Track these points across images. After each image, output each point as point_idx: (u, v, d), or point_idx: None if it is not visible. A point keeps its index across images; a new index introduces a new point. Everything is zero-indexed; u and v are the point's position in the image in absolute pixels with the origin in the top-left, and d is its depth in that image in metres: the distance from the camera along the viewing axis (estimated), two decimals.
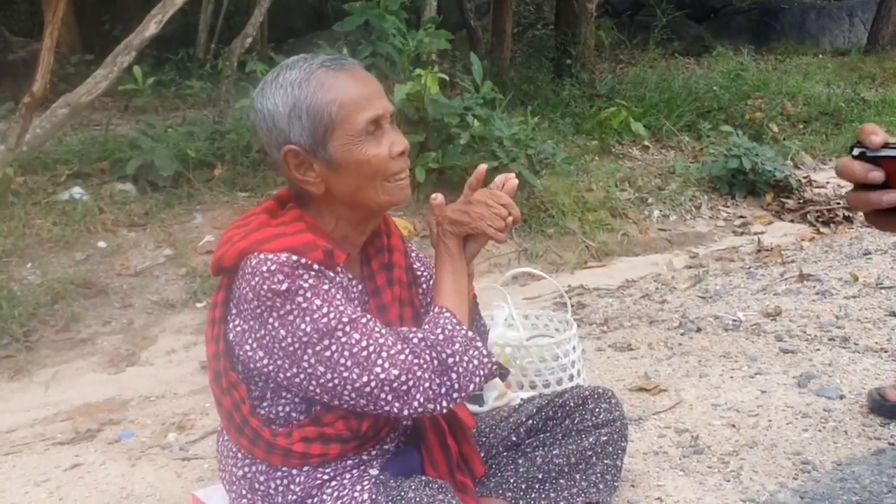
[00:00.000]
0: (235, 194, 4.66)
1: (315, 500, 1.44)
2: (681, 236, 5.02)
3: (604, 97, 7.33)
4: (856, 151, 0.93)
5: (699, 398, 2.21)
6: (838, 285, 3.27)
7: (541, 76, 7.88)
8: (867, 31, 11.32)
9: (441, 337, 1.44)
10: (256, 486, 1.47)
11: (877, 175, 0.91)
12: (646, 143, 6.48)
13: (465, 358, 1.44)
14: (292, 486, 1.45)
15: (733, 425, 2.03)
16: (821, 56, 10.18)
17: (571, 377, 2.11)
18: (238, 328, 1.45)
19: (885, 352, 2.45)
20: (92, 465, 2.16)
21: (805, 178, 5.89)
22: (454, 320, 1.47)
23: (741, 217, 5.36)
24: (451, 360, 1.43)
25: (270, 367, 1.42)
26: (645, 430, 1.91)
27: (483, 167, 1.56)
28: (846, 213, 5.18)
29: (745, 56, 8.68)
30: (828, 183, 5.93)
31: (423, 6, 5.87)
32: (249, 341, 1.43)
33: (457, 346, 1.44)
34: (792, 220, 5.26)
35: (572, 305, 3.53)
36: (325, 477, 1.46)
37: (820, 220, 5.16)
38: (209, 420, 2.51)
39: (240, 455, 1.50)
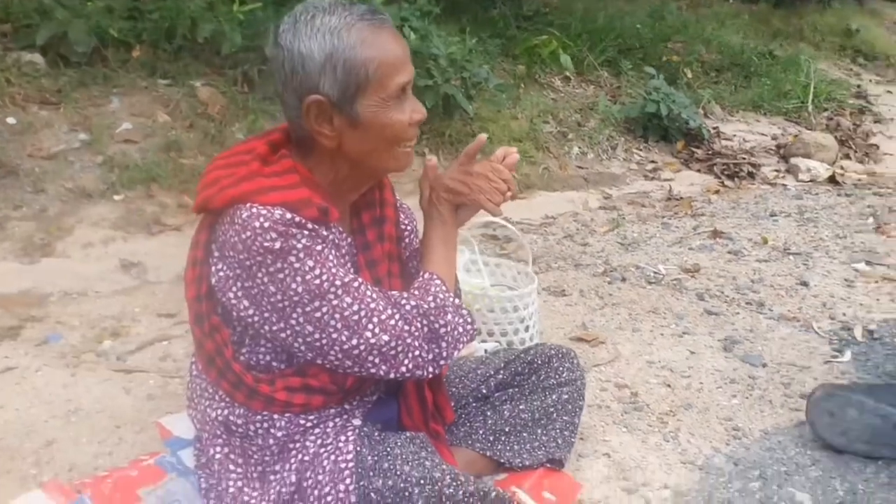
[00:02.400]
0: (156, 80, 4.42)
1: (298, 445, 1.46)
2: (596, 175, 5.16)
3: (530, 21, 7.29)
4: None
5: (634, 353, 2.34)
6: (749, 246, 3.46)
7: None
8: None
9: (433, 305, 1.46)
10: (233, 428, 1.48)
11: None
12: (567, 75, 6.54)
13: (454, 327, 1.48)
14: (273, 431, 1.46)
15: (668, 385, 2.16)
16: (732, 4, 10.39)
17: (527, 328, 2.18)
18: (221, 273, 1.41)
19: (798, 321, 2.63)
20: (27, 370, 2.08)
21: (714, 128, 6.11)
22: (444, 288, 1.50)
23: (653, 162, 5.53)
24: (442, 329, 1.46)
25: (256, 318, 1.40)
26: (588, 381, 2.01)
27: (483, 136, 1.56)
28: (750, 170, 5.43)
29: None
30: (734, 136, 6.18)
31: None
32: (234, 288, 1.40)
33: (448, 316, 1.47)
34: (699, 171, 5.46)
35: (498, 238, 3.62)
36: (308, 424, 1.48)
37: (725, 172, 5.39)
38: (143, 329, 2.47)
39: (217, 397, 1.49)
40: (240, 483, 1.46)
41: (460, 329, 1.48)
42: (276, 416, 1.46)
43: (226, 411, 1.48)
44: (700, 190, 5.03)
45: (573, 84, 6.48)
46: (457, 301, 1.49)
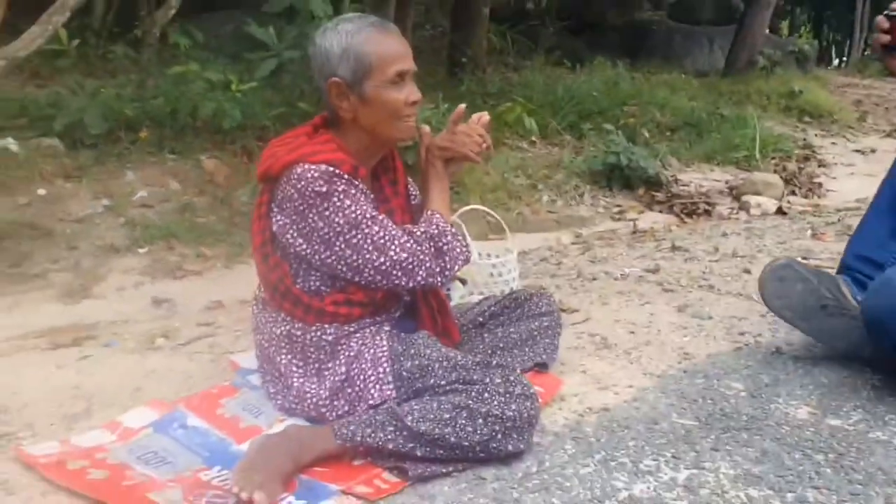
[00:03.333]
0: (164, 155, 4.94)
1: (344, 345, 1.93)
2: (567, 218, 5.67)
3: (495, 96, 7.96)
4: (885, 12, 1.85)
5: (604, 316, 2.80)
6: (703, 254, 3.94)
7: (438, 72, 8.45)
8: (724, 57, 12.49)
9: (436, 231, 1.96)
10: (295, 338, 1.93)
11: (880, 21, 1.86)
12: (533, 139, 7.15)
13: (453, 246, 1.97)
14: (324, 336, 1.92)
15: (632, 332, 2.62)
16: (684, 75, 11.17)
17: (511, 290, 2.65)
18: (280, 222, 1.91)
19: (741, 295, 3.11)
20: (101, 356, 2.50)
21: (672, 176, 6.69)
22: (443, 220, 2.00)
23: (618, 206, 6.06)
24: (445, 247, 1.95)
25: (308, 251, 1.89)
26: (565, 335, 2.45)
27: (462, 107, 2.10)
28: (706, 208, 5.98)
29: (621, 68, 9.56)
30: (691, 182, 6.76)
31: None
32: (291, 231, 1.90)
33: (448, 237, 1.96)
34: (661, 211, 5.99)
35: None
36: (351, 330, 1.95)
37: (684, 211, 5.92)
38: (187, 332, 2.88)
39: (279, 318, 1.96)
40: (301, 379, 1.92)
41: (458, 248, 1.97)
42: (326, 326, 1.93)
43: (287, 326, 1.94)
44: (663, 225, 5.54)
45: (539, 146, 7.08)
46: (454, 229, 1.98)
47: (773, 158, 7.82)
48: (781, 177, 6.78)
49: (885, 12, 2.01)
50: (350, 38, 1.88)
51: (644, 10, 15.51)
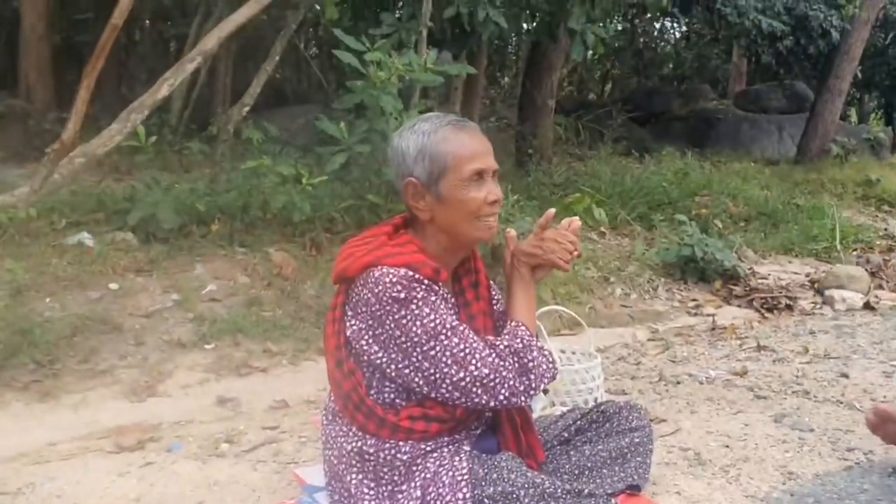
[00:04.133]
0: (234, 248, 4.94)
1: (420, 466, 1.77)
2: (641, 313, 5.47)
3: (562, 186, 7.89)
4: None
5: (694, 427, 2.60)
6: (792, 355, 3.72)
7: (505, 164, 8.43)
8: (794, 144, 12.28)
9: (521, 345, 1.81)
10: (367, 456, 1.79)
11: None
12: (602, 230, 7.01)
13: (539, 363, 1.81)
14: (399, 455, 1.78)
15: (727, 446, 2.42)
16: (753, 164, 10.98)
17: (595, 399, 2.48)
18: (354, 327, 1.79)
19: (842, 402, 2.88)
20: (164, 462, 2.40)
21: (749, 268, 6.45)
22: (528, 333, 1.85)
23: (694, 300, 5.84)
24: (530, 364, 1.80)
25: (384, 360, 1.77)
26: (655, 449, 2.27)
27: (552, 211, 1.97)
28: (787, 302, 5.72)
29: (690, 158, 9.43)
30: (769, 275, 6.51)
31: (412, 92, 6.34)
32: (366, 338, 1.78)
33: (534, 353, 1.81)
34: (739, 305, 5.74)
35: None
36: (428, 448, 1.80)
37: (765, 306, 5.66)
38: (252, 437, 2.77)
39: (351, 433, 1.82)
40: (374, 502, 1.76)
41: (545, 365, 1.81)
42: (401, 443, 1.78)
43: (359, 443, 1.80)
44: (742, 321, 5.30)
45: (608, 237, 6.94)
46: (540, 343, 1.84)
47: (854, 250, 7.53)
48: (866, 269, 6.47)
49: None
50: (426, 137, 1.80)
51: (709, 100, 15.48)
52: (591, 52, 10.69)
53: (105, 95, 9.28)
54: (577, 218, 2.01)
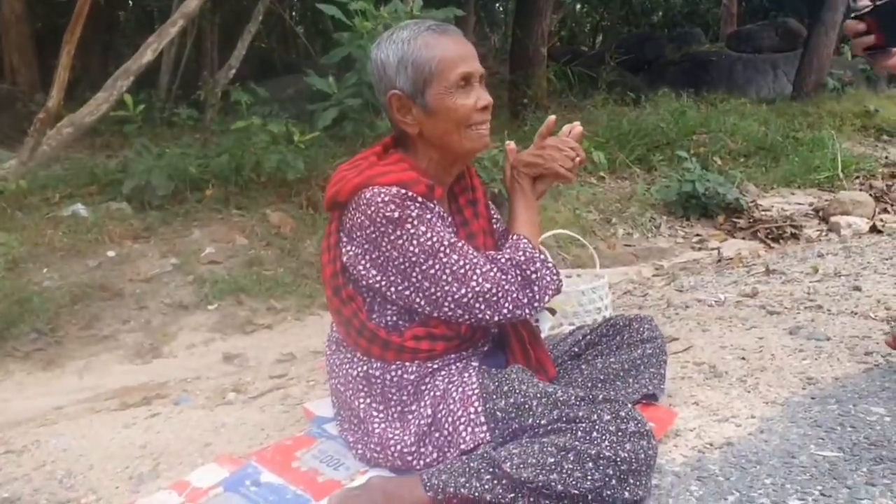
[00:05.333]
0: (230, 211, 4.88)
1: (429, 384, 1.72)
2: (645, 251, 5.41)
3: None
4: (852, 14, 1.55)
5: (707, 343, 2.54)
6: (801, 276, 3.66)
7: (501, 115, 8.32)
8: (790, 83, 12.12)
9: (523, 258, 1.75)
10: (373, 380, 1.73)
11: (853, 25, 1.56)
12: (602, 173, 6.93)
13: (543, 275, 1.75)
14: (406, 376, 1.72)
15: (743, 358, 2.36)
16: (749, 104, 10.85)
17: (604, 318, 2.43)
18: (350, 252, 1.73)
19: (856, 313, 2.82)
20: (170, 414, 2.35)
21: (752, 202, 6.38)
22: (531, 245, 1.78)
23: (697, 235, 5.78)
24: (533, 275, 1.73)
25: (383, 283, 1.70)
26: (668, 364, 2.21)
27: (552, 118, 1.89)
28: (793, 231, 5.65)
29: (685, 99, 9.30)
30: (773, 207, 6.44)
31: None
32: (363, 262, 1.71)
33: (537, 264, 1.75)
34: (744, 238, 5.68)
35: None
36: (435, 367, 1.74)
37: (770, 236, 5.60)
38: (259, 385, 2.73)
39: (356, 358, 1.76)
40: (383, 425, 1.71)
41: (549, 277, 1.74)
42: (407, 364, 1.72)
43: (365, 367, 1.74)
44: (749, 252, 5.24)
45: (608, 181, 6.86)
46: (543, 256, 1.77)
47: (856, 178, 7.44)
48: (870, 194, 6.40)
49: (852, 14, 1.69)
50: (406, 45, 1.70)
51: (702, 44, 15.28)
52: None
53: (91, 72, 9.17)
54: (578, 123, 1.94)
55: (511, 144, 1.92)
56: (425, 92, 1.71)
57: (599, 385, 1.93)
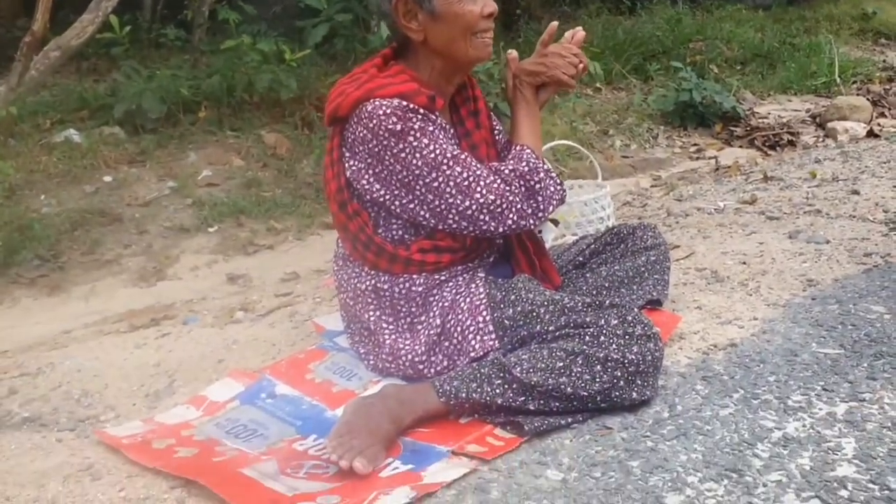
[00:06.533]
0: (224, 133, 4.83)
1: (437, 295, 1.74)
2: (642, 162, 5.40)
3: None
4: None
5: (708, 250, 2.57)
6: (799, 182, 3.67)
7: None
8: None
9: (526, 168, 1.75)
10: (382, 292, 1.76)
11: None
12: (598, 85, 6.85)
13: (546, 185, 1.75)
14: (414, 288, 1.75)
15: (744, 263, 2.39)
16: (744, 11, 10.67)
17: (607, 227, 2.45)
18: (354, 167, 1.73)
19: (855, 217, 2.84)
20: (179, 334, 2.39)
21: (749, 109, 6.34)
22: (534, 155, 1.78)
23: (695, 144, 5.76)
24: (537, 186, 1.74)
25: (387, 197, 1.71)
26: (671, 271, 2.24)
27: (554, 24, 1.87)
28: (790, 138, 5.64)
29: (681, 6, 9.14)
30: (770, 114, 6.40)
31: None
32: (366, 176, 1.71)
33: (540, 174, 1.75)
34: (741, 146, 5.67)
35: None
36: (442, 278, 1.76)
37: (767, 144, 5.59)
38: (266, 303, 2.75)
39: (363, 273, 1.78)
40: (394, 336, 1.74)
41: (552, 187, 1.75)
42: (414, 276, 1.75)
43: (373, 281, 1.76)
44: (746, 160, 5.24)
45: (605, 92, 6.79)
46: (546, 166, 1.77)
47: (854, 83, 7.37)
48: (867, 99, 6.35)
49: None
50: None
51: None
52: None
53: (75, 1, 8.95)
54: (580, 28, 1.91)
55: (513, 53, 1.90)
56: None
57: (604, 292, 1.96)
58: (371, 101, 1.67)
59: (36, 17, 4.07)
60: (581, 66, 1.85)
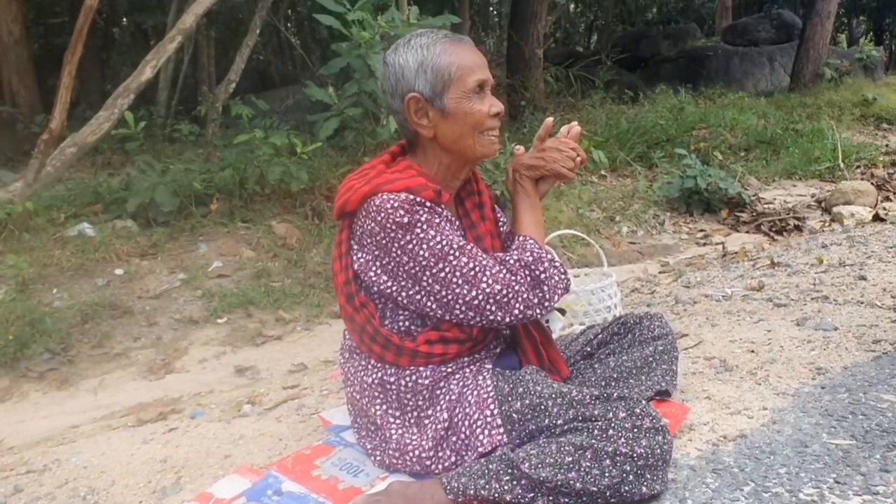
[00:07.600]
0: (236, 224, 4.90)
1: (443, 388, 1.74)
2: (650, 248, 5.43)
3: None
4: None
5: (717, 338, 2.56)
6: (806, 267, 3.67)
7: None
8: (787, 74, 12.14)
9: (531, 258, 1.77)
10: (388, 386, 1.76)
11: None
12: (603, 172, 6.95)
13: (551, 274, 1.77)
14: (420, 380, 1.75)
15: (752, 351, 2.38)
16: (747, 98, 10.88)
17: (614, 316, 2.45)
18: (361, 259, 1.76)
19: (862, 303, 2.84)
20: (186, 428, 2.38)
21: (754, 195, 6.40)
22: (537, 246, 1.81)
23: (701, 230, 5.80)
24: (542, 275, 1.76)
25: (394, 288, 1.73)
26: (679, 360, 2.23)
27: (550, 120, 1.93)
28: (796, 223, 5.67)
29: (683, 94, 9.33)
30: (775, 199, 6.46)
31: None
32: (374, 268, 1.74)
33: (545, 264, 1.77)
34: (748, 231, 5.71)
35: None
36: (449, 370, 1.77)
37: (773, 229, 5.62)
38: (274, 396, 2.75)
39: (370, 366, 1.79)
40: (400, 430, 1.74)
41: (557, 277, 1.77)
42: (421, 368, 1.75)
43: (379, 374, 1.77)
44: (753, 245, 5.26)
45: (610, 179, 6.89)
46: (550, 255, 1.80)
47: (857, 167, 7.46)
48: (872, 183, 6.41)
49: None
50: (426, 51, 1.74)
51: (697, 39, 15.30)
52: None
53: (90, 93, 9.24)
54: (576, 123, 1.97)
55: (520, 149, 1.95)
56: (443, 95, 1.75)
57: (613, 383, 1.96)
58: (379, 195, 1.71)
59: (54, 114, 4.19)
60: (579, 159, 1.90)
